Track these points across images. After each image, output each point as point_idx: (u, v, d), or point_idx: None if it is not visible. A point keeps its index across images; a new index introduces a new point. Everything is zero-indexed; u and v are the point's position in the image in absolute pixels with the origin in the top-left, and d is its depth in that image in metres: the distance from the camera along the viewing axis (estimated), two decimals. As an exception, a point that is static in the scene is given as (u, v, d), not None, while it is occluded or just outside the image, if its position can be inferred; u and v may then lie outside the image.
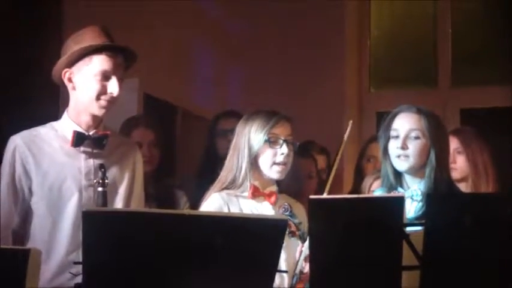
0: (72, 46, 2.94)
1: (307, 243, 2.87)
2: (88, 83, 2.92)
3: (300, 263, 2.90)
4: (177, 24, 5.26)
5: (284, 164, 3.17)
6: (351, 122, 3.00)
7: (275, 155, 3.16)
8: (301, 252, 2.95)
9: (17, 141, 2.93)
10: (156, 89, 5.02)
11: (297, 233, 2.85)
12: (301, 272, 2.94)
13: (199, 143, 4.72)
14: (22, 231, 2.90)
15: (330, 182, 3.00)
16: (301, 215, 3.08)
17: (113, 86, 2.91)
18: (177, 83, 5.28)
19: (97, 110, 2.93)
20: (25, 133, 2.96)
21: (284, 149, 3.16)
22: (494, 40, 5.84)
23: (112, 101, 2.92)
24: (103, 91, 2.91)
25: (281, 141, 3.17)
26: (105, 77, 2.91)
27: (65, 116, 3.01)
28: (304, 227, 2.91)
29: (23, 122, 3.09)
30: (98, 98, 2.92)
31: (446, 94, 5.90)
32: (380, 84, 6.15)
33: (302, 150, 3.73)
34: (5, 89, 4.04)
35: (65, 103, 3.08)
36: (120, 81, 2.94)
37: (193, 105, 5.44)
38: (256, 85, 5.70)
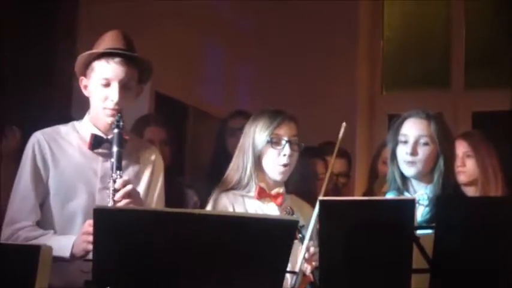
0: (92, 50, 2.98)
1: (305, 244, 2.88)
2: (94, 90, 2.94)
3: (299, 265, 2.89)
4: (188, 24, 5.26)
5: (287, 165, 3.17)
6: (344, 124, 2.99)
7: (278, 155, 3.16)
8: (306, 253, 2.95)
9: (38, 137, 2.95)
10: (168, 87, 5.03)
11: (298, 236, 2.85)
12: (303, 274, 2.94)
13: (209, 141, 4.72)
14: (47, 222, 2.90)
15: (326, 182, 2.98)
16: (306, 216, 3.06)
17: (113, 93, 2.89)
18: (188, 82, 5.29)
19: (105, 117, 2.93)
20: (47, 130, 2.99)
21: (286, 149, 3.16)
22: (508, 42, 5.81)
23: (115, 108, 2.89)
24: (105, 98, 2.91)
25: (284, 142, 3.17)
26: (107, 83, 2.91)
27: (86, 117, 3.03)
28: (307, 229, 2.91)
29: (38, 121, 3.11)
30: (103, 106, 2.92)
31: (459, 97, 5.88)
32: (392, 87, 6.14)
33: (313, 151, 3.73)
34: (22, 89, 4.06)
35: (78, 103, 3.09)
36: (125, 87, 2.91)
37: (204, 104, 5.44)
38: (267, 86, 5.70)
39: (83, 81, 2.98)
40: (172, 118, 4.64)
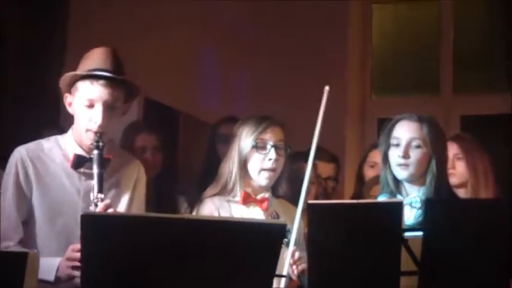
0: (78, 67, 2.92)
1: (291, 249, 2.89)
2: (78, 109, 2.88)
3: (286, 269, 2.89)
4: (178, 29, 5.26)
5: (272, 170, 3.18)
6: (326, 88, 2.98)
7: (263, 160, 3.17)
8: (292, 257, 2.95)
9: (21, 152, 2.89)
10: (158, 94, 5.03)
11: (284, 240, 2.85)
12: (290, 279, 2.95)
13: (201, 148, 4.72)
14: (31, 241, 2.85)
15: (306, 183, 2.96)
16: (294, 221, 3.03)
17: (96, 115, 2.82)
18: (179, 88, 5.29)
19: (86, 140, 2.87)
20: (30, 146, 2.93)
21: (272, 154, 3.17)
22: (497, 47, 5.83)
23: (98, 130, 2.82)
24: (88, 119, 2.84)
25: (269, 147, 3.18)
26: (91, 105, 2.84)
27: (69, 133, 2.97)
28: (293, 234, 2.92)
29: (25, 128, 3.09)
30: (85, 128, 2.86)
31: (448, 101, 5.90)
32: (382, 91, 6.15)
33: (302, 156, 3.73)
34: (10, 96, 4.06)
35: (66, 119, 3.04)
36: (110, 108, 2.84)
37: (195, 110, 5.44)
38: (258, 91, 5.70)
39: (68, 99, 2.92)
40: (163, 124, 4.64)
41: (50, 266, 2.72)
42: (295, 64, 5.77)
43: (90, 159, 2.85)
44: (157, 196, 3.87)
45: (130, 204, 2.99)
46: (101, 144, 2.81)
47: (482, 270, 2.18)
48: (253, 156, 3.18)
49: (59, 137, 2.99)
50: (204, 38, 5.45)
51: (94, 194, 2.76)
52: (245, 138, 3.19)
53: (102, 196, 2.76)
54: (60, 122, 3.84)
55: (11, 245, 2.80)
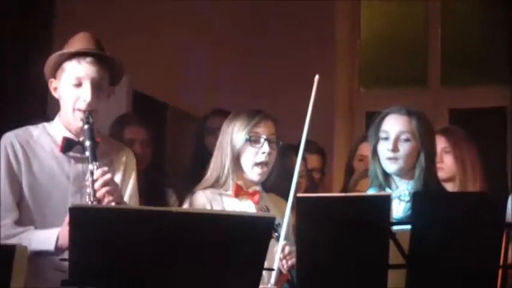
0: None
1: (281, 243, 2.89)
2: (65, 91, 2.92)
3: (276, 263, 2.89)
4: (167, 23, 5.25)
5: (265, 164, 3.18)
6: (316, 76, 2.98)
7: (256, 154, 3.18)
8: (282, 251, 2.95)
9: (11, 138, 2.92)
10: (146, 86, 5.02)
11: (274, 234, 2.85)
12: (280, 272, 2.95)
13: (189, 141, 4.72)
14: (26, 221, 2.87)
15: (297, 170, 2.95)
16: (283, 215, 3.03)
17: (85, 92, 2.87)
18: (167, 80, 5.28)
19: (76, 119, 2.90)
20: (19, 132, 2.96)
21: (265, 147, 3.17)
22: (484, 41, 5.85)
23: (87, 108, 2.86)
24: (76, 98, 2.88)
25: (262, 140, 3.18)
26: (79, 83, 2.88)
27: (56, 119, 3.00)
28: (283, 228, 2.92)
29: (12, 119, 3.09)
30: (74, 108, 2.89)
31: (436, 94, 5.91)
32: (370, 84, 6.16)
33: (292, 149, 3.73)
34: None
35: (53, 107, 3.06)
36: (97, 87, 2.89)
37: (183, 103, 5.44)
38: (246, 84, 5.71)
39: (53, 83, 2.96)
40: (151, 117, 4.63)
41: (49, 236, 2.76)
42: (284, 57, 5.77)
43: (79, 143, 2.89)
44: (146, 189, 3.87)
45: (122, 183, 3.00)
46: (90, 119, 2.85)
47: (470, 264, 2.19)
48: (247, 150, 3.18)
49: (46, 124, 3.01)
50: (192, 31, 5.44)
51: (89, 162, 2.79)
52: (238, 132, 3.19)
53: (97, 163, 2.79)
54: (47, 115, 3.83)
55: (7, 223, 2.82)
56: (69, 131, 2.94)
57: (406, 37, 6.10)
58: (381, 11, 6.22)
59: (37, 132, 2.98)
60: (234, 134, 3.20)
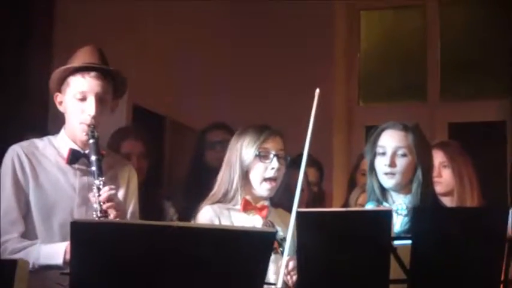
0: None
1: (285, 258, 2.88)
2: (70, 105, 2.96)
3: (280, 279, 2.89)
4: (165, 36, 5.26)
5: (274, 179, 3.19)
6: (317, 90, 2.98)
7: (266, 169, 3.19)
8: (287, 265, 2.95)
9: (17, 150, 2.95)
10: (145, 100, 5.02)
11: (279, 249, 2.85)
12: (286, 285, 2.95)
13: (187, 154, 4.72)
14: (31, 234, 2.89)
15: (300, 184, 2.93)
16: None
17: (89, 106, 2.91)
18: (166, 94, 5.28)
19: (81, 132, 2.94)
20: (24, 144, 2.99)
21: (275, 163, 3.18)
22: (484, 55, 5.87)
23: (92, 122, 2.90)
24: (81, 112, 2.92)
25: (272, 156, 3.19)
26: (83, 97, 2.93)
27: (62, 132, 3.03)
28: (287, 242, 2.91)
29: (14, 131, 3.10)
30: (79, 122, 2.93)
31: (435, 108, 5.92)
32: (369, 98, 6.17)
33: (293, 163, 3.74)
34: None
35: (54, 119, 3.08)
36: (101, 101, 2.93)
37: (182, 116, 5.44)
38: (245, 97, 5.72)
39: (58, 97, 3.00)
40: (150, 130, 4.63)
41: (56, 251, 2.78)
42: (283, 70, 5.78)
43: (85, 155, 2.93)
44: (143, 202, 3.87)
45: (125, 199, 3.04)
46: (95, 134, 2.89)
47: (471, 278, 2.19)
48: (256, 165, 3.20)
49: (51, 137, 3.05)
50: (190, 43, 5.45)
51: (95, 177, 2.82)
52: (247, 148, 3.20)
53: (103, 179, 2.82)
54: (47, 126, 3.84)
55: (13, 237, 2.84)
56: (75, 143, 2.98)
57: (405, 51, 6.12)
58: (380, 24, 6.24)
59: (42, 144, 3.01)
60: (243, 149, 3.21)
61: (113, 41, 4.54)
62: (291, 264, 2.92)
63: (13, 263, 2.15)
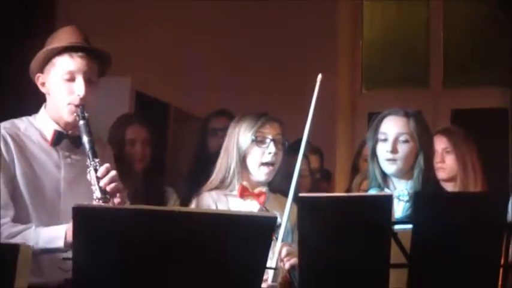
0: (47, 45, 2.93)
1: (279, 244, 2.89)
2: (56, 86, 2.89)
3: (274, 262, 2.90)
4: (168, 23, 5.26)
5: (272, 164, 3.20)
6: (319, 76, 2.98)
7: (263, 154, 3.20)
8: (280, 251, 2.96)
9: (1, 132, 2.88)
10: (148, 87, 5.03)
11: (274, 235, 2.86)
12: (281, 271, 2.95)
13: (191, 141, 4.73)
14: (23, 217, 2.83)
15: (297, 170, 2.93)
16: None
17: (79, 86, 2.85)
18: (169, 81, 5.29)
19: (67, 116, 2.88)
20: (7, 125, 2.92)
21: (272, 148, 3.19)
22: (486, 42, 5.86)
23: (80, 103, 2.84)
24: (69, 93, 2.86)
25: (268, 141, 3.20)
26: (71, 78, 2.87)
27: (42, 112, 2.97)
28: (281, 229, 2.92)
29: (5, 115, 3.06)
30: (66, 102, 2.87)
31: (437, 95, 5.92)
32: (372, 85, 6.17)
33: (294, 149, 3.75)
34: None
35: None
36: (89, 81, 2.88)
37: (185, 104, 5.45)
38: (248, 85, 5.72)
39: (40, 78, 2.92)
40: (153, 117, 4.64)
41: (56, 234, 2.74)
42: (285, 58, 5.78)
43: (67, 136, 2.89)
44: (146, 188, 3.89)
45: None
46: (85, 114, 2.84)
47: (472, 263, 2.19)
48: (253, 150, 3.20)
49: (31, 118, 2.99)
50: (193, 31, 5.45)
51: (90, 159, 2.77)
52: (244, 133, 3.21)
53: (98, 160, 2.77)
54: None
55: (6, 222, 2.78)
56: (58, 124, 2.93)
57: (409, 39, 6.12)
58: (383, 12, 6.23)
59: (23, 125, 2.95)
60: (240, 135, 3.22)
61: (118, 30, 4.56)
62: (284, 250, 2.93)
63: (15, 248, 2.14)
